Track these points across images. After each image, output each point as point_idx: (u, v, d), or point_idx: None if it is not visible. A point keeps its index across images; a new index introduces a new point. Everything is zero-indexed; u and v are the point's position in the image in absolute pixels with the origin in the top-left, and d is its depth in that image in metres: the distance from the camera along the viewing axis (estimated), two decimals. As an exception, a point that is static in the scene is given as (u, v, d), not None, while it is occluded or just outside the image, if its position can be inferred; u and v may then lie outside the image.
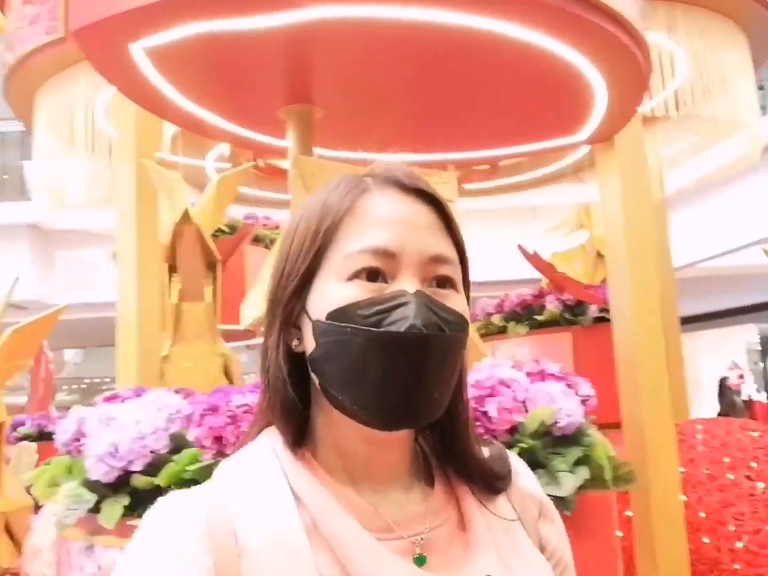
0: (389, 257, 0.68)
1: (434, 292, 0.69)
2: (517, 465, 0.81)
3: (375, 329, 0.65)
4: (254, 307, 2.28)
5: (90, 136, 3.33)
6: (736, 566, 2.80)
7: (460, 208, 5.20)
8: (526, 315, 4.93)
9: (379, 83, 2.46)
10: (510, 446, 1.63)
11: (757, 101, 3.74)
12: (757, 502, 2.84)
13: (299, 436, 0.73)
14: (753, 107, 3.67)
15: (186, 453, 1.73)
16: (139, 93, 2.18)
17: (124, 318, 3.23)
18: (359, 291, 0.67)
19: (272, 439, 0.73)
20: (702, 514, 2.87)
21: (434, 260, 0.70)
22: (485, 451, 0.79)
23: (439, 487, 0.75)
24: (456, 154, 3.12)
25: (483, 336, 5.20)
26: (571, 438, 1.69)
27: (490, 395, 1.62)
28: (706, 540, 2.84)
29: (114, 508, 1.78)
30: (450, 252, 0.72)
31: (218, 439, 1.70)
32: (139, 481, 1.75)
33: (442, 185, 4.42)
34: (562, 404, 1.68)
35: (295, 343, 0.73)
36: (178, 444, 1.79)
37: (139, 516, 1.73)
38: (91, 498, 1.84)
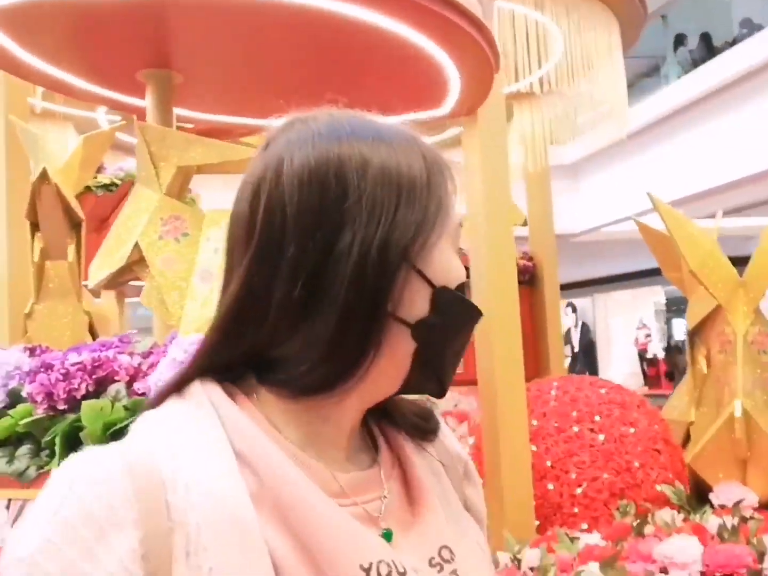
0: None
1: None
2: (442, 425, 0.80)
3: (477, 307, 0.69)
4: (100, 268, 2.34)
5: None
6: (575, 510, 3.07)
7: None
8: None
9: (236, 52, 2.54)
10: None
11: (624, 83, 3.94)
12: (597, 452, 3.10)
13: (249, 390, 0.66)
14: (620, 89, 3.88)
15: (20, 408, 1.83)
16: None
17: (-1, 274, 3.27)
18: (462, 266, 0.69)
19: (209, 389, 0.64)
20: (548, 463, 3.12)
21: None
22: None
23: (383, 449, 0.72)
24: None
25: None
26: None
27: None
28: (550, 486, 3.09)
29: (-40, 457, 1.87)
30: None
31: (49, 395, 1.80)
32: (-23, 434, 1.84)
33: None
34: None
35: (389, 305, 0.63)
36: (14, 399, 1.89)
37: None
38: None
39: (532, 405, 3.31)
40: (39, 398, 1.81)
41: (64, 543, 0.53)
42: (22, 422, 1.80)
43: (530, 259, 4.90)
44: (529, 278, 4.87)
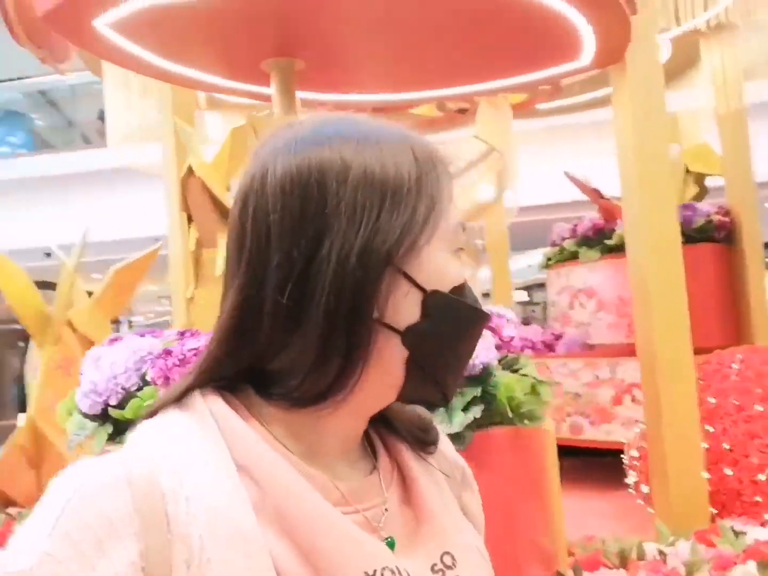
0: None
1: None
2: (441, 433, 0.80)
3: (483, 309, 0.66)
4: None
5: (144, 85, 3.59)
6: (757, 498, 2.72)
7: (521, 129, 5.10)
8: (596, 240, 4.82)
9: (363, 30, 2.52)
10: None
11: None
12: (785, 434, 2.72)
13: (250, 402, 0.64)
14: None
15: (146, 390, 1.99)
16: (119, 59, 2.38)
17: (173, 261, 3.58)
18: (463, 268, 0.66)
19: (210, 400, 0.63)
20: (726, 446, 2.79)
21: None
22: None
23: (382, 456, 0.71)
24: (473, 86, 3.11)
25: (557, 262, 5.16)
26: (477, 378, 1.77)
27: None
28: (728, 472, 2.76)
29: (100, 435, 2.09)
30: None
31: (166, 379, 1.94)
32: (115, 414, 2.04)
33: (494, 111, 4.37)
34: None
35: (375, 313, 0.62)
36: (145, 382, 2.06)
37: (120, 443, 2.03)
38: (91, 426, 2.17)
39: (709, 380, 2.97)
40: (159, 382, 1.96)
41: (64, 557, 0.52)
42: (149, 402, 1.96)
43: (726, 213, 4.37)
44: (725, 235, 4.36)
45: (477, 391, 1.73)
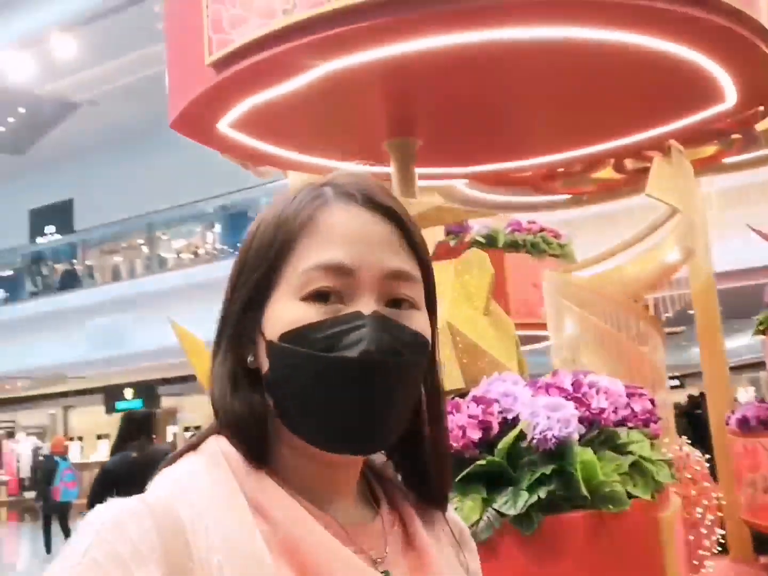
0: (345, 275, 0.65)
1: (393, 313, 0.66)
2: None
3: (327, 354, 0.63)
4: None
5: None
6: None
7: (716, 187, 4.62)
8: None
9: (481, 104, 2.52)
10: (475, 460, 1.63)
11: None
12: None
13: (255, 447, 0.67)
14: None
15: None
16: (244, 154, 2.60)
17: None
18: (313, 312, 0.64)
19: (223, 445, 0.67)
20: None
21: (394, 277, 0.67)
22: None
23: (384, 506, 0.73)
24: (612, 141, 2.95)
25: (769, 327, 4.53)
26: (550, 454, 1.60)
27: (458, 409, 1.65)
28: None
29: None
30: (411, 269, 0.68)
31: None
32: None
33: (673, 166, 4.08)
34: (540, 420, 1.60)
35: (250, 358, 0.69)
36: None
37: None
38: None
39: None
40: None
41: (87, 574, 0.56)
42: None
43: None
44: None
45: (547, 469, 1.57)
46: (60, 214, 19.09)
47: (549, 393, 1.72)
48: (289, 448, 0.68)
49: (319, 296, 0.65)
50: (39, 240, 19.12)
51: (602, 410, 1.72)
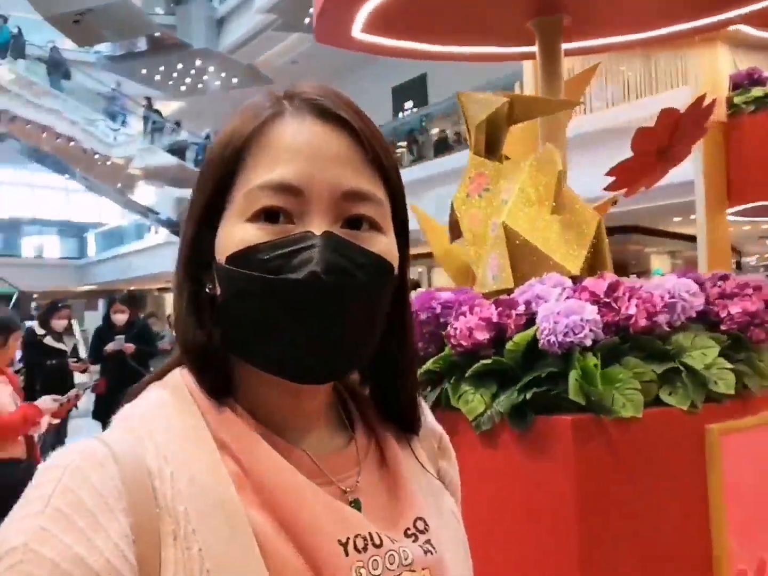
0: (295, 194, 0.61)
1: (349, 234, 0.63)
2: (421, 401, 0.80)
3: (273, 276, 0.60)
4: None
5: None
6: None
7: None
8: None
9: None
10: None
11: None
12: None
13: (219, 379, 0.65)
14: None
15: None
16: (390, 54, 2.72)
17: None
18: (260, 233, 0.61)
19: (187, 379, 0.66)
20: None
21: (349, 196, 0.63)
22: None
23: (359, 429, 0.73)
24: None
25: None
26: (564, 357, 1.61)
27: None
28: None
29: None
30: (371, 187, 0.64)
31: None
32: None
33: None
34: (547, 324, 1.61)
35: (209, 286, 0.66)
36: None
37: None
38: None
39: None
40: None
41: (59, 530, 0.53)
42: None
43: None
44: None
45: (544, 372, 1.60)
46: (416, 89, 20.34)
47: (580, 297, 1.68)
48: (254, 377, 0.65)
49: (267, 216, 0.62)
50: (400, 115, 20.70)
51: (629, 317, 1.63)
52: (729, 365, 1.69)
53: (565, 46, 2.50)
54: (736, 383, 1.68)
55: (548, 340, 1.61)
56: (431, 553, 0.67)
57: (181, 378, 0.66)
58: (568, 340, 1.59)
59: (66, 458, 0.58)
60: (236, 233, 0.62)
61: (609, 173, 2.82)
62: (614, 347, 1.64)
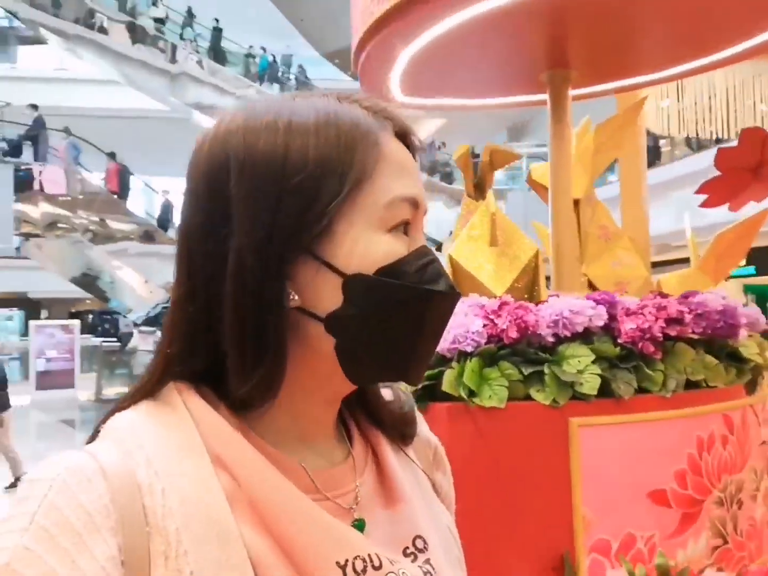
0: (416, 209, 0.65)
1: None
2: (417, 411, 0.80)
3: (431, 288, 0.63)
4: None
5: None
6: None
7: None
8: None
9: (631, 26, 2.60)
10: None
11: None
12: None
13: (260, 391, 0.62)
14: None
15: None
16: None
17: None
18: (403, 245, 0.63)
19: (184, 392, 0.63)
20: None
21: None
22: (387, 394, 0.78)
23: (356, 439, 0.73)
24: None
25: None
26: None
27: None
28: None
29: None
30: None
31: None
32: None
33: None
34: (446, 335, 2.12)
35: (292, 297, 0.61)
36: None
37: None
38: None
39: None
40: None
41: (43, 551, 0.52)
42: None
43: None
44: None
45: (433, 371, 2.13)
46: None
47: (478, 313, 2.16)
48: (299, 389, 0.65)
49: (404, 228, 0.64)
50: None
51: (503, 330, 2.09)
52: (598, 371, 2.08)
53: (575, 92, 2.90)
54: (608, 386, 2.07)
55: (443, 347, 2.14)
56: (431, 574, 0.67)
57: (178, 396, 0.63)
58: (454, 346, 2.11)
59: (52, 472, 0.56)
60: (382, 245, 0.62)
61: (698, 191, 3.14)
62: (493, 353, 2.12)
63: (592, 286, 3.53)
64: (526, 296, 2.38)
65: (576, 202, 3.47)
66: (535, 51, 2.84)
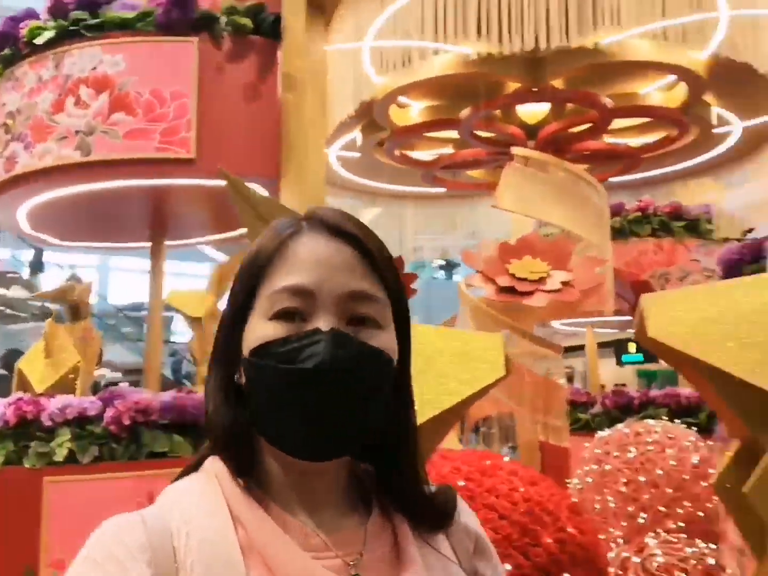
0: (307, 296, 0.73)
1: (353, 330, 0.73)
2: (460, 504, 0.85)
3: (287, 366, 0.70)
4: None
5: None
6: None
7: None
8: None
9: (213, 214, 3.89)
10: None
11: None
12: None
13: (244, 462, 0.76)
14: None
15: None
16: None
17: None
18: (278, 329, 0.72)
19: (216, 466, 0.77)
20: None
21: (352, 297, 0.74)
22: (430, 489, 0.83)
23: (376, 514, 0.79)
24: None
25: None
26: None
27: None
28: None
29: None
30: (372, 289, 0.75)
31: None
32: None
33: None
34: None
35: (237, 375, 0.77)
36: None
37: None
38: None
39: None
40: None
41: (91, 573, 0.68)
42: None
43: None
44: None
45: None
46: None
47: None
48: (271, 457, 0.77)
49: (284, 315, 0.73)
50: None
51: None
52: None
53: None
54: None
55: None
56: None
57: (210, 465, 0.78)
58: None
59: (107, 524, 0.73)
60: (258, 330, 0.74)
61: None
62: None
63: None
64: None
65: (200, 319, 4.66)
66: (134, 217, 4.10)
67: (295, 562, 0.70)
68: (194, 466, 0.80)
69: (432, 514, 0.80)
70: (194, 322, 4.65)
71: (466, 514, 0.84)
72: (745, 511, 1.29)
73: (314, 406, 0.70)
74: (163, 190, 3.57)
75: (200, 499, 0.74)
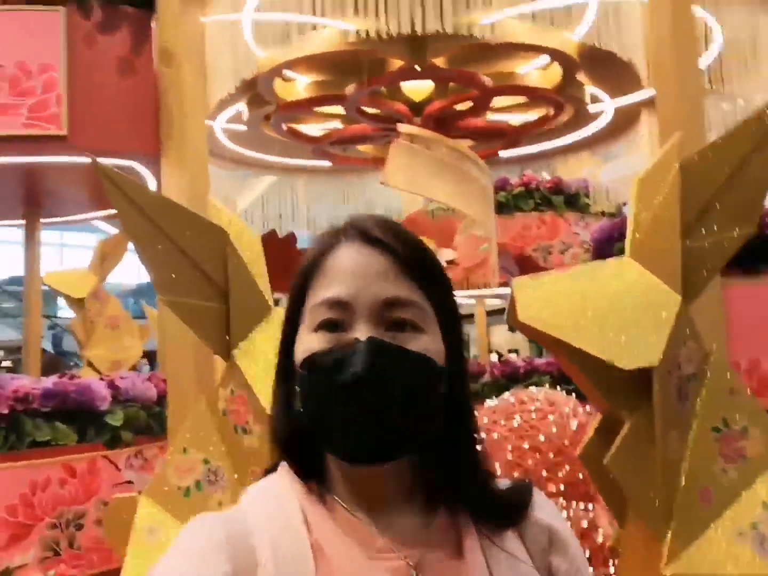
0: (344, 307, 0.76)
1: (391, 336, 0.75)
2: (536, 498, 0.85)
3: (326, 376, 0.75)
4: None
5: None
6: None
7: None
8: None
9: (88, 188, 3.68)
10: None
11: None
12: None
13: (308, 468, 0.81)
14: None
15: None
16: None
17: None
18: (321, 341, 0.76)
19: (286, 468, 0.82)
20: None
21: (388, 305, 0.76)
22: (502, 484, 0.85)
23: (441, 515, 0.81)
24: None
25: None
26: None
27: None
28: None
29: None
30: (407, 295, 0.77)
31: None
32: None
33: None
34: None
35: (297, 386, 0.80)
36: None
37: None
38: None
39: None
40: None
41: (176, 561, 0.73)
42: None
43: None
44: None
45: None
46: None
47: None
48: (332, 462, 0.80)
49: (327, 326, 0.77)
50: None
51: None
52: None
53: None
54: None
55: None
56: None
57: (284, 468, 0.83)
58: None
59: (192, 523, 0.78)
60: (305, 343, 0.78)
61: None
62: None
63: (92, 366, 4.51)
64: None
65: (82, 300, 4.47)
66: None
67: (354, 563, 0.73)
68: (273, 467, 0.84)
69: (498, 513, 0.81)
70: (76, 302, 4.46)
71: (540, 508, 0.84)
72: (607, 481, 1.38)
73: (356, 415, 0.73)
74: (35, 167, 3.41)
75: (275, 499, 0.79)
